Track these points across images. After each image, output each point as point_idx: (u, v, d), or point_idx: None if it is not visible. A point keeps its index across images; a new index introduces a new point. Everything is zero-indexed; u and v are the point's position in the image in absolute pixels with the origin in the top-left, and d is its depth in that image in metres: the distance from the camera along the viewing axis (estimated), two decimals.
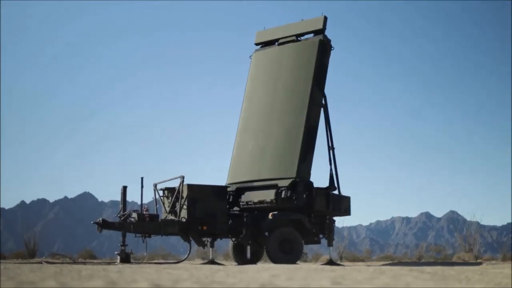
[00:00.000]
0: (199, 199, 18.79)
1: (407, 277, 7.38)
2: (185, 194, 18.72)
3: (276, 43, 21.98)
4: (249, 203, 19.87)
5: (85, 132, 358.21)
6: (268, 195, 19.44)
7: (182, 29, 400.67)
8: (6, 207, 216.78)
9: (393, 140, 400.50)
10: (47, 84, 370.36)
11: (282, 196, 19.17)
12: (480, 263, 21.31)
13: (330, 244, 20.25)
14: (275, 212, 19.19)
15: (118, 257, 18.36)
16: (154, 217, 18.92)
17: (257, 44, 22.63)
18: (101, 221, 18.50)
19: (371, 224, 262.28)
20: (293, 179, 19.20)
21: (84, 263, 18.05)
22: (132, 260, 18.77)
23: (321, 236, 20.08)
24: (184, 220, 18.63)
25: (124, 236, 18.43)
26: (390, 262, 26.86)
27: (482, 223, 34.36)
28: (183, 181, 18.78)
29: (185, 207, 18.69)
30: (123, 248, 18.36)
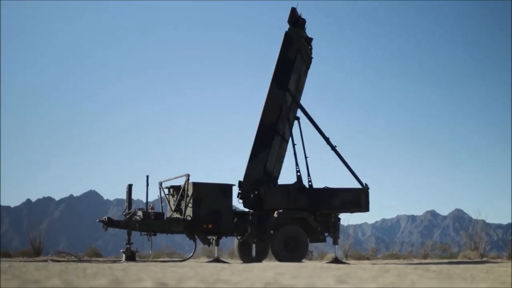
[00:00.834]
0: (204, 198, 18.78)
1: (412, 276, 7.37)
2: (190, 192, 18.72)
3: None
4: None
5: (91, 130, 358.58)
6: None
7: (189, 27, 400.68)
8: (12, 205, 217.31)
9: (399, 138, 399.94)
10: (52, 83, 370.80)
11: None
12: (485, 262, 21.26)
13: (335, 242, 20.18)
14: (280, 210, 19.18)
15: (124, 255, 18.38)
16: (160, 215, 18.93)
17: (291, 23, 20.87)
18: (106, 219, 18.51)
19: (376, 222, 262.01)
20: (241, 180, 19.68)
21: (90, 261, 18.06)
22: (137, 258, 18.78)
23: (326, 234, 20.03)
24: (189, 218, 18.63)
25: (129, 234, 18.45)
26: (396, 260, 26.81)
27: (487, 221, 34.26)
28: (188, 179, 18.78)
29: (190, 205, 18.68)
30: (128, 246, 18.37)
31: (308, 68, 21.85)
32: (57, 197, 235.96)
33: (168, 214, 19.44)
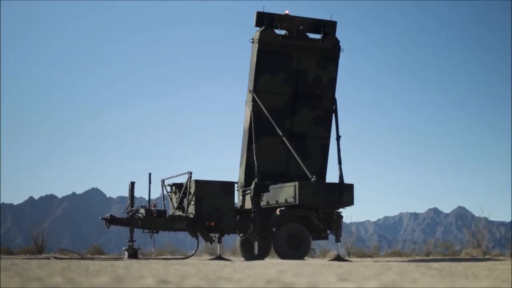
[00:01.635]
0: (207, 195, 18.79)
1: (414, 273, 7.37)
2: (192, 190, 18.74)
3: (286, 33, 21.64)
4: None
5: (93, 128, 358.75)
6: None
7: (189, 25, 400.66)
8: (15, 203, 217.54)
9: (401, 136, 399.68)
10: (54, 81, 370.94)
11: None
12: (488, 259, 21.27)
13: (337, 240, 20.17)
14: (283, 208, 19.18)
15: (126, 253, 18.41)
16: (162, 213, 18.96)
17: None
18: (109, 217, 18.53)
19: (379, 220, 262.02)
20: None
21: (92, 259, 18.08)
22: (140, 256, 18.80)
23: (328, 232, 20.02)
24: (191, 216, 18.65)
25: (132, 232, 18.48)
26: (398, 258, 26.82)
27: (490, 219, 34.31)
28: (190, 177, 18.80)
29: (192, 203, 18.70)
30: (131, 244, 18.40)
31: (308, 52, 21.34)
32: (59, 194, 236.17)
33: (170, 211, 19.46)
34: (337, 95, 21.19)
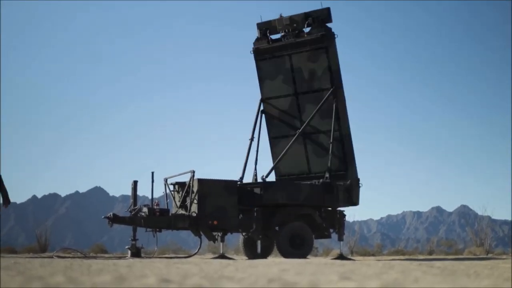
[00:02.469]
0: (210, 194, 18.78)
1: (416, 272, 7.37)
2: (195, 188, 18.73)
3: (280, 37, 21.82)
4: None
5: (96, 127, 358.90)
6: None
7: (193, 23, 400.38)
8: (18, 202, 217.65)
9: (404, 134, 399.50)
10: (57, 80, 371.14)
11: None
12: (491, 258, 21.25)
13: (340, 238, 20.16)
14: (286, 207, 19.19)
15: (129, 252, 18.41)
16: (165, 212, 18.95)
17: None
18: (111, 215, 18.53)
19: (382, 218, 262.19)
20: None
21: (95, 258, 18.09)
22: (142, 255, 18.81)
23: (331, 230, 20.03)
24: (194, 214, 18.64)
25: (134, 230, 18.47)
26: (401, 256, 26.80)
27: (493, 217, 34.29)
28: (193, 175, 18.78)
29: (195, 201, 18.69)
30: (133, 242, 18.40)
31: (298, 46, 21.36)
32: (63, 193, 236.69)
33: (173, 210, 19.45)
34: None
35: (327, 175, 19.78)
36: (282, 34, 21.15)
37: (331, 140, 20.39)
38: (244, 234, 20.22)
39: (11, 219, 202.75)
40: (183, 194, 19.09)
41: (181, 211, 19.09)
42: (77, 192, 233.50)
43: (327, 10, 20.76)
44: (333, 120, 20.50)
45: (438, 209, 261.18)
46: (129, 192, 19.51)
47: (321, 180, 19.88)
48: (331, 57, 20.69)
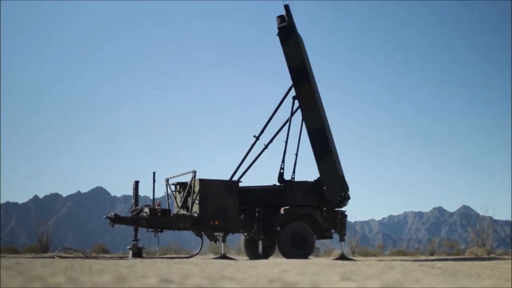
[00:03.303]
0: (211, 194, 18.79)
1: (418, 272, 7.37)
2: (197, 189, 18.74)
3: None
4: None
5: (98, 127, 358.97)
6: None
7: (195, 23, 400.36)
8: (20, 202, 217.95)
9: (406, 135, 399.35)
10: (59, 79, 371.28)
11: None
12: (492, 258, 21.24)
13: (342, 239, 20.16)
14: (287, 207, 19.19)
15: (130, 252, 18.41)
16: (166, 212, 18.96)
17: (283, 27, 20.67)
18: (113, 215, 18.53)
19: (383, 219, 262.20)
20: None
21: (96, 258, 18.10)
22: (144, 255, 18.81)
23: (333, 231, 20.03)
24: (196, 215, 18.65)
25: (136, 230, 18.47)
26: (403, 257, 26.79)
27: (495, 217, 34.17)
28: (195, 176, 18.79)
29: (197, 202, 18.70)
30: (135, 242, 18.40)
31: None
32: (64, 193, 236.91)
33: (174, 210, 19.46)
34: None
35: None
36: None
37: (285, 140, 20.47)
38: (245, 234, 20.22)
39: (12, 219, 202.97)
40: (185, 194, 19.09)
41: (183, 211, 19.10)
42: (78, 192, 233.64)
43: (286, 6, 20.44)
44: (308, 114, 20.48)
45: (440, 210, 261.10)
46: (130, 192, 19.54)
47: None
48: (288, 53, 20.49)
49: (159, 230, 18.90)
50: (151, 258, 18.06)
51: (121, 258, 18.69)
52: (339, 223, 19.91)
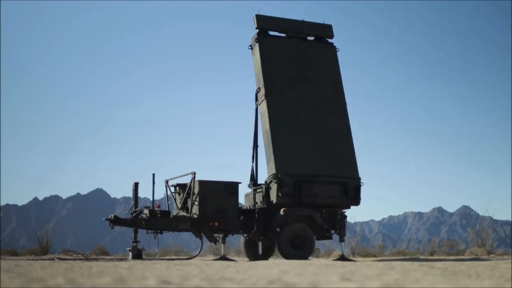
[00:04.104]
0: (211, 196, 18.79)
1: (417, 273, 7.37)
2: (196, 190, 18.74)
3: (285, 35, 21.64)
4: (315, 196, 19.72)
5: (98, 129, 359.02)
6: (335, 192, 19.69)
7: (189, 24, 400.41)
8: (20, 204, 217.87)
9: (405, 135, 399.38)
10: (58, 81, 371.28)
11: (349, 195, 19.87)
12: (492, 258, 21.23)
13: (341, 239, 20.15)
14: (286, 208, 19.17)
15: (130, 254, 18.41)
16: (166, 214, 18.95)
17: (259, 29, 21.37)
18: (112, 217, 18.53)
19: (383, 219, 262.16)
20: (359, 179, 20.09)
21: (96, 260, 18.09)
22: (144, 256, 18.81)
23: (332, 231, 20.03)
24: (195, 216, 18.65)
25: (136, 232, 18.47)
26: (402, 257, 26.78)
27: (495, 217, 34.13)
28: (194, 177, 18.80)
29: (196, 203, 18.70)
30: (135, 244, 18.40)
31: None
32: (64, 195, 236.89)
33: (174, 212, 19.46)
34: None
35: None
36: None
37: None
38: (245, 235, 20.21)
39: (12, 221, 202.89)
40: (184, 195, 19.10)
41: (182, 213, 19.10)
42: (78, 194, 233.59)
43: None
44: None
45: (440, 210, 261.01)
46: (130, 194, 19.53)
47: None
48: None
49: (159, 231, 18.91)
50: (151, 259, 18.06)
51: (120, 259, 18.68)
52: (338, 224, 19.91)
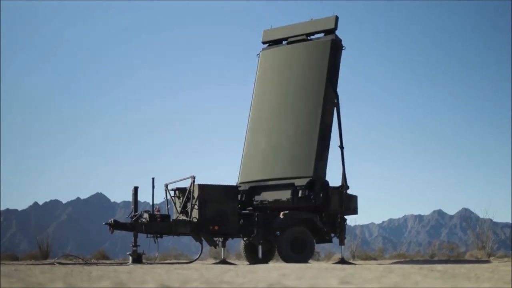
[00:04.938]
0: (210, 199, 18.78)
1: (417, 276, 7.37)
2: (196, 194, 18.73)
3: (285, 42, 21.85)
4: (264, 202, 19.80)
5: (97, 133, 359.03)
6: (284, 195, 19.42)
7: (190, 27, 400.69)
8: (19, 208, 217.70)
9: (405, 137, 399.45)
10: (58, 85, 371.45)
11: (299, 195, 19.19)
12: (492, 261, 21.22)
13: (341, 243, 20.15)
14: (287, 212, 19.16)
15: (130, 258, 18.40)
16: (166, 218, 18.94)
17: (264, 43, 22.33)
18: (112, 221, 18.52)
19: (383, 222, 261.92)
20: (311, 178, 19.20)
21: (96, 264, 18.08)
22: (144, 261, 18.80)
23: (332, 235, 20.02)
24: (195, 220, 18.64)
25: (136, 236, 18.46)
26: (402, 260, 26.78)
27: (495, 220, 34.08)
28: (194, 181, 18.79)
29: (196, 207, 18.69)
30: (135, 248, 18.38)
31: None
32: (64, 200, 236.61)
33: (174, 216, 19.45)
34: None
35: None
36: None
37: None
38: (245, 239, 20.21)
39: (12, 226, 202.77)
40: (184, 199, 19.09)
41: (182, 217, 19.09)
42: (78, 198, 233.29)
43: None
44: None
45: (440, 212, 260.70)
46: (130, 198, 19.51)
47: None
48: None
49: (158, 235, 18.90)
50: (151, 263, 18.05)
51: (121, 264, 18.67)
52: (338, 227, 19.90)
